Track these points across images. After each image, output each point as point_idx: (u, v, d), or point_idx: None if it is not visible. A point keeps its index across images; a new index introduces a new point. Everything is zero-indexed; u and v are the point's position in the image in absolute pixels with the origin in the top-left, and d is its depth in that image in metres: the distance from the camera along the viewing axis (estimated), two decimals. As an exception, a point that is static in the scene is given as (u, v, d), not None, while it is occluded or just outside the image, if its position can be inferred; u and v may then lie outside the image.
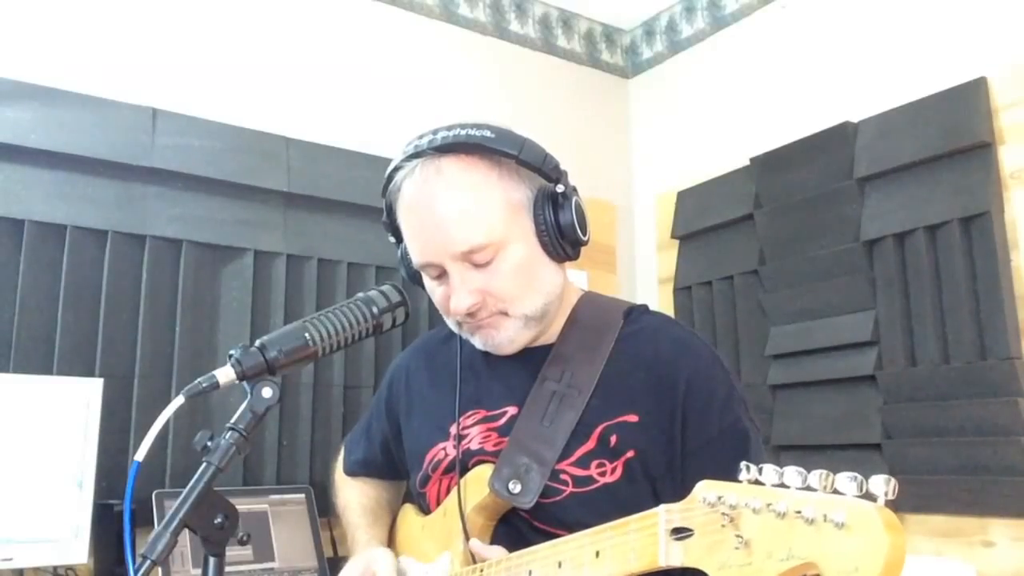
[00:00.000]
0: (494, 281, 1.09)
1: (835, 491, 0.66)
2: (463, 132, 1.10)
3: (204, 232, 2.21)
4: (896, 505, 0.65)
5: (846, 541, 0.63)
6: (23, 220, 1.98)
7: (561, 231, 1.12)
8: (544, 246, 1.12)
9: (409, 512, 1.30)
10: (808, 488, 0.68)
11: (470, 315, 1.11)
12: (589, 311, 1.21)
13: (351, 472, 1.45)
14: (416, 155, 1.11)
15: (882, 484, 0.64)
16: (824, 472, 0.68)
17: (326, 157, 2.42)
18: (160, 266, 2.14)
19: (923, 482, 2.12)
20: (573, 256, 1.16)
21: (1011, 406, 1.99)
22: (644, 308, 1.24)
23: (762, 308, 2.56)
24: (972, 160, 2.12)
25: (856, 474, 0.65)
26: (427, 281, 1.16)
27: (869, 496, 0.64)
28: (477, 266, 1.09)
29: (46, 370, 1.94)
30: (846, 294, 2.33)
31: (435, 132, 1.12)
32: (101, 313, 2.04)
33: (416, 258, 1.14)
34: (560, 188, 1.13)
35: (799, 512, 0.66)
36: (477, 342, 1.16)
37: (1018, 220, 2.08)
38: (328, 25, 2.57)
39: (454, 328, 1.18)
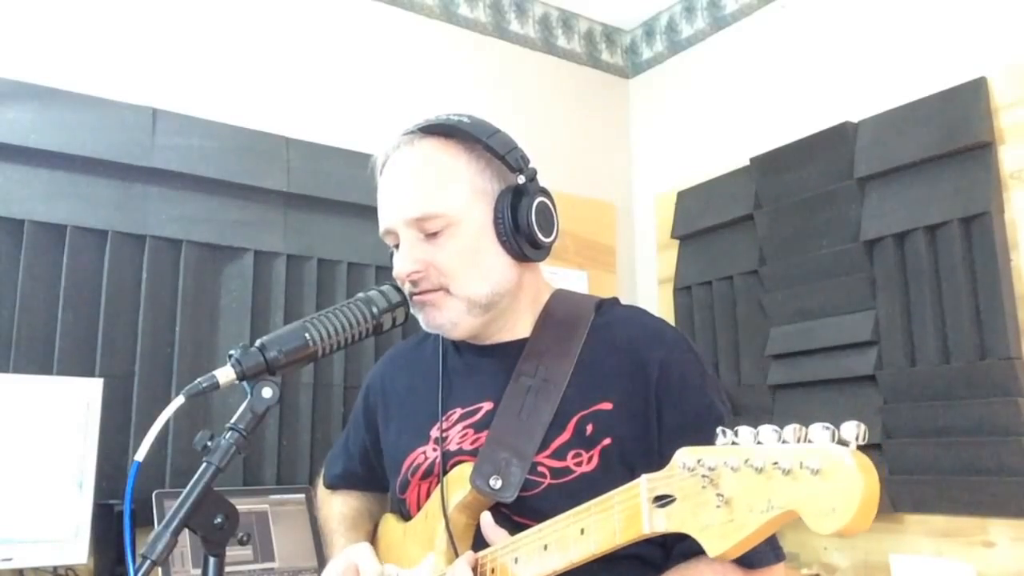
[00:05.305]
0: (439, 255, 1.12)
1: (809, 442, 0.68)
2: (443, 116, 1.16)
3: (204, 232, 2.21)
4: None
5: (822, 485, 0.65)
6: (23, 220, 1.98)
7: (516, 226, 1.13)
8: (499, 236, 1.14)
9: (390, 520, 1.30)
10: (783, 443, 0.70)
11: (413, 284, 1.13)
12: (561, 306, 1.22)
13: (331, 486, 1.45)
14: (400, 137, 1.17)
15: (853, 429, 0.66)
16: (797, 425, 0.70)
17: (326, 157, 2.42)
18: (160, 266, 2.14)
19: (923, 482, 2.12)
20: (534, 256, 1.16)
21: (1011, 406, 1.99)
22: (614, 301, 1.25)
23: (762, 308, 2.56)
24: (972, 160, 2.12)
25: (828, 424, 0.68)
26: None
27: (842, 443, 0.67)
28: (428, 237, 1.12)
29: (46, 370, 1.94)
30: (846, 294, 2.33)
31: (423, 120, 1.18)
32: (101, 313, 2.04)
33: (380, 228, 1.17)
34: (521, 180, 1.14)
35: (776, 463, 0.69)
36: (422, 320, 1.17)
37: (1018, 220, 2.08)
38: (328, 25, 2.57)
39: (412, 309, 1.18)
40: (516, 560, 0.98)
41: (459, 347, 1.23)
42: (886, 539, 2.20)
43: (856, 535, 0.66)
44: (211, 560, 0.92)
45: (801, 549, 2.38)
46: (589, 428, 1.09)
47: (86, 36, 2.17)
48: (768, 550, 1.03)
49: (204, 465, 0.90)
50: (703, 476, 0.75)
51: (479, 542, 1.08)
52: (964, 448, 2.06)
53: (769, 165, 2.58)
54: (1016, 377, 2.00)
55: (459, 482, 1.09)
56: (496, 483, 1.06)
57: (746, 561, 0.99)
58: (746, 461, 0.71)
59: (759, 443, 0.72)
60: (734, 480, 0.72)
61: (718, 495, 0.73)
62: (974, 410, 2.05)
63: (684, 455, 0.78)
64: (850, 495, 0.64)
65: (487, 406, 1.15)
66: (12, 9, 2.09)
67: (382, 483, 1.35)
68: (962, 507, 2.07)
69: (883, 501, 2.12)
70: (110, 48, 2.20)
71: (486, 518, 1.06)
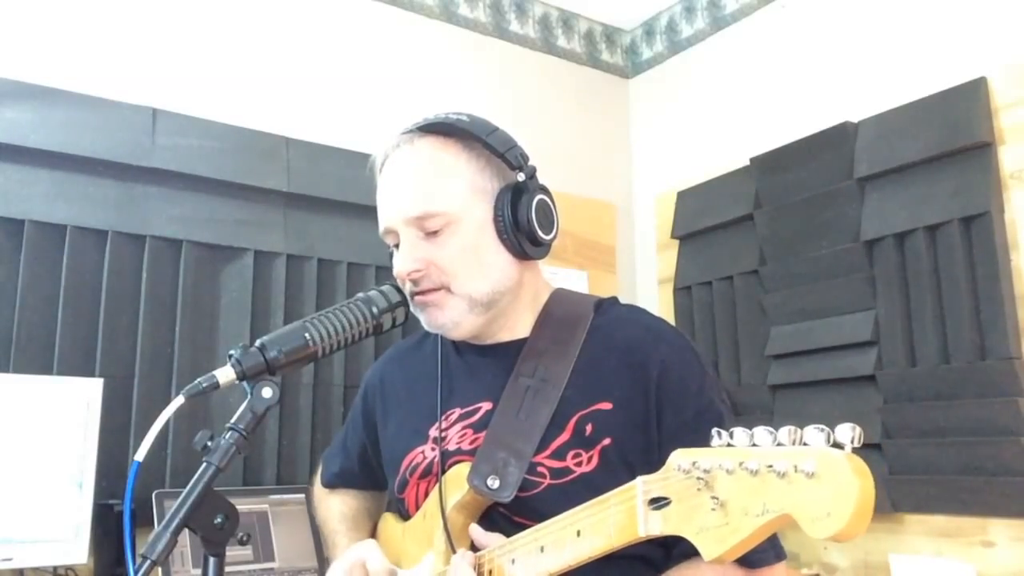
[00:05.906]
0: (440, 253, 1.12)
1: (804, 444, 0.68)
2: (442, 115, 1.16)
3: (204, 232, 2.21)
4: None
5: (817, 489, 0.65)
6: (23, 220, 1.98)
7: (517, 224, 1.13)
8: (499, 234, 1.14)
9: (389, 520, 1.30)
10: (779, 445, 0.69)
11: (414, 283, 1.13)
12: (560, 306, 1.22)
13: (329, 484, 1.45)
14: (400, 136, 1.18)
15: (848, 431, 0.65)
16: (792, 427, 0.69)
17: (326, 157, 2.42)
18: (160, 266, 2.14)
19: (923, 482, 2.12)
20: (534, 254, 1.17)
21: (1011, 406, 1.99)
22: (614, 300, 1.25)
23: (762, 308, 2.56)
24: (972, 160, 2.12)
25: (823, 426, 0.67)
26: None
27: (837, 445, 0.66)
28: (428, 235, 1.12)
29: (46, 370, 1.94)
30: (846, 294, 2.33)
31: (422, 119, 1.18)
32: (101, 313, 2.04)
33: (380, 228, 1.17)
34: (520, 177, 1.14)
35: (771, 466, 0.68)
36: (424, 320, 1.17)
37: (1018, 220, 2.08)
38: (328, 25, 2.57)
39: (413, 309, 1.18)
40: (513, 561, 0.98)
41: (459, 347, 1.23)
42: (886, 539, 2.20)
43: (852, 540, 0.65)
44: (211, 560, 0.92)
45: (801, 549, 2.38)
46: (589, 428, 1.08)
47: (86, 36, 2.17)
48: (769, 549, 1.03)
49: (204, 465, 0.90)
50: (698, 478, 0.74)
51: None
52: (964, 448, 2.06)
53: (769, 165, 2.58)
54: (1016, 377, 2.00)
55: (457, 482, 1.10)
56: (494, 483, 1.06)
57: (747, 561, 0.99)
58: (741, 464, 0.70)
59: (754, 445, 0.71)
60: (729, 483, 0.72)
61: (713, 498, 0.73)
62: (974, 410, 2.05)
63: (679, 457, 0.77)
64: (845, 499, 0.63)
65: (486, 406, 1.15)
66: (12, 9, 2.09)
67: (380, 482, 1.35)
68: (962, 507, 2.07)
69: (883, 501, 2.12)
70: (110, 48, 2.20)
71: (475, 530, 1.07)
